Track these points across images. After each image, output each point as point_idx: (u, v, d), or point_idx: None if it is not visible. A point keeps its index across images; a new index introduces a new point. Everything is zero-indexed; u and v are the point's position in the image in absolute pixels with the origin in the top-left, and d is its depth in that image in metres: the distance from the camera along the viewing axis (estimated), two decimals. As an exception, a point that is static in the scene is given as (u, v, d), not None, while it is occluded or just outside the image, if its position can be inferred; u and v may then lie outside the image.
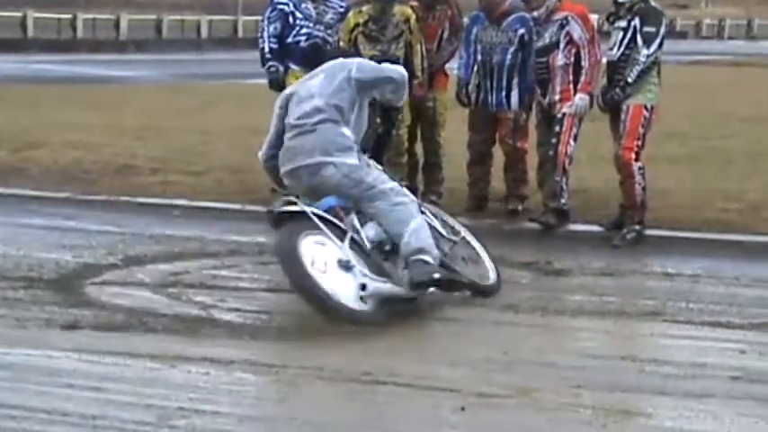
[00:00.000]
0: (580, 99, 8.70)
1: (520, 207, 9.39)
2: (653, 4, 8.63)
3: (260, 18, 9.62)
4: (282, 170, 6.91)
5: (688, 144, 13.31)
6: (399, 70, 7.10)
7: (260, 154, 7.16)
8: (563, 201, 8.84)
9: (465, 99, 9.32)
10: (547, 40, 8.77)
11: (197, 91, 19.92)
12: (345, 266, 6.36)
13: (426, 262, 6.48)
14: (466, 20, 9.43)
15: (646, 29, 8.46)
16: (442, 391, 5.30)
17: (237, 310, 6.72)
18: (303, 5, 9.26)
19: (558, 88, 8.78)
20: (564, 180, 8.79)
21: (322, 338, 6.17)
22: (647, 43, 8.44)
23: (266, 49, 9.36)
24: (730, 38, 60.96)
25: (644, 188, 8.56)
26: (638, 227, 8.59)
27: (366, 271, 6.40)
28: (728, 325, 6.50)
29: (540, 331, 6.33)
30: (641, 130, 8.50)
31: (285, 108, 6.99)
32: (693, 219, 9.16)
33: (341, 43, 9.21)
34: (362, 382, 5.40)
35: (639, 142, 8.52)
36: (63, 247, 8.04)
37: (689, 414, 5.12)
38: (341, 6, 9.44)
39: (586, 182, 10.16)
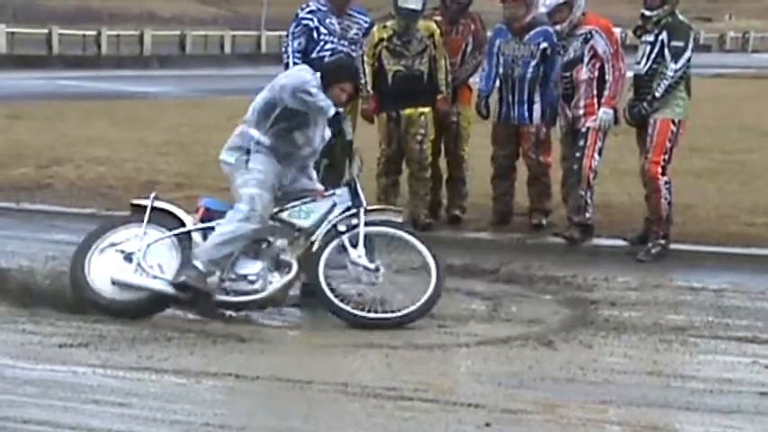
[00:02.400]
0: (604, 113, 8.68)
1: (544, 221, 9.39)
2: (681, 18, 8.60)
3: (283, 33, 9.63)
4: None
5: (712, 158, 13.25)
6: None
7: None
8: (587, 215, 8.82)
9: (484, 111, 9.31)
10: (571, 55, 8.76)
11: (220, 106, 19.91)
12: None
13: (195, 267, 6.68)
14: (489, 33, 9.43)
15: (674, 43, 8.43)
16: (467, 406, 5.29)
17: (263, 324, 6.75)
18: (327, 20, 9.25)
19: (582, 102, 8.77)
20: (588, 194, 8.78)
21: (347, 354, 6.18)
22: (675, 58, 8.41)
23: (290, 65, 9.35)
24: (754, 51, 60.66)
25: (669, 203, 8.53)
26: (662, 241, 8.56)
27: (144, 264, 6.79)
28: (755, 339, 6.47)
29: (565, 346, 6.30)
30: (668, 145, 8.47)
31: None
32: (718, 233, 9.13)
33: (365, 58, 9.21)
34: (387, 398, 5.40)
35: (666, 156, 8.49)
36: (88, 262, 8.04)
37: (715, 429, 5.10)
38: (365, 21, 9.43)
39: (610, 196, 10.14)
